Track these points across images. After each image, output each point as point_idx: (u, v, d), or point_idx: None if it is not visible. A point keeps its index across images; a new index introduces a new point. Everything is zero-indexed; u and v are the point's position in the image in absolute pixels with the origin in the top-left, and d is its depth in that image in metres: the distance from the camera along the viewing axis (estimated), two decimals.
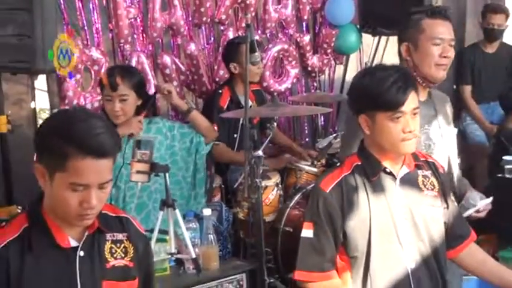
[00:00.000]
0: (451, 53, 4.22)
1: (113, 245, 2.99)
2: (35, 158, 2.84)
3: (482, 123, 8.39)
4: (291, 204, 6.02)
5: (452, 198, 3.84)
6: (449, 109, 4.52)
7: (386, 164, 3.52)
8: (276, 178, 6.17)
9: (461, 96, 8.52)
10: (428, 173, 3.67)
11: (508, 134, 7.42)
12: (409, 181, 3.58)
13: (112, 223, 3.03)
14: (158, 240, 4.83)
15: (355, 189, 3.52)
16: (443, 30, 4.21)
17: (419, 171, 3.64)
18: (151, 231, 4.79)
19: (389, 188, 3.54)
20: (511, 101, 7.72)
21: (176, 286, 4.72)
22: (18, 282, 2.82)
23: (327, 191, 3.51)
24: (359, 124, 3.63)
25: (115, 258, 2.97)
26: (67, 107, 5.95)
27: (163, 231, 4.87)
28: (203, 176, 5.67)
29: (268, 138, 5.58)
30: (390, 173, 3.54)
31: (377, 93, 3.40)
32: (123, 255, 3.00)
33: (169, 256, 4.87)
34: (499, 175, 6.75)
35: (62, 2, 6.17)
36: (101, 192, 2.78)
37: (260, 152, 5.02)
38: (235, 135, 6.30)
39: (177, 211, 4.87)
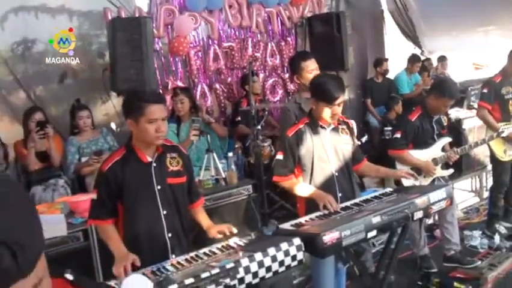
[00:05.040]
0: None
1: (170, 159, 2.94)
2: (126, 120, 2.86)
3: (376, 116, 8.19)
4: None
5: (356, 140, 3.72)
6: None
7: (322, 122, 3.43)
8: (269, 142, 5.93)
9: (366, 104, 8.30)
10: (345, 126, 3.59)
11: (387, 120, 7.40)
12: (334, 131, 3.51)
13: (169, 148, 2.97)
14: (205, 169, 4.70)
15: (305, 134, 3.43)
16: (312, 64, 4.24)
17: (340, 126, 3.55)
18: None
19: (323, 135, 3.48)
20: (388, 105, 7.70)
21: (215, 191, 4.54)
22: (122, 184, 2.80)
23: (290, 135, 3.47)
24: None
25: (172, 166, 2.93)
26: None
27: (208, 165, 4.73)
28: (219, 146, 5.43)
29: (264, 119, 5.61)
30: (324, 127, 3.44)
31: (323, 91, 3.31)
32: (176, 164, 2.95)
33: (211, 177, 4.69)
34: (383, 137, 6.68)
35: (163, 58, 6.07)
36: (163, 123, 2.78)
37: (259, 126, 4.91)
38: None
39: (214, 154, 4.73)
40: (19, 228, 0.66)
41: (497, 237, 5.30)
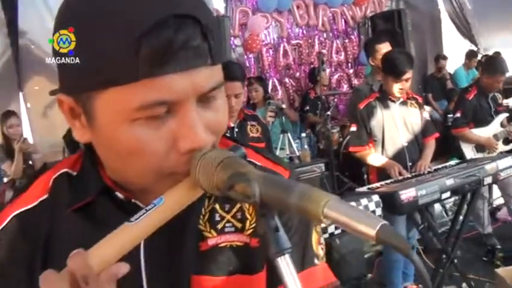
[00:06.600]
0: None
1: (250, 126, 2.99)
2: None
3: (437, 110, 7.84)
4: (344, 141, 5.48)
5: (426, 113, 3.57)
6: None
7: (391, 97, 3.30)
8: (338, 128, 5.74)
9: (427, 98, 8.01)
10: (414, 101, 3.44)
11: (447, 111, 7.06)
12: (403, 104, 3.38)
13: (249, 117, 3.02)
14: (281, 148, 4.63)
15: (375, 107, 3.34)
16: (386, 47, 3.98)
17: (408, 100, 3.41)
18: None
19: (392, 107, 3.35)
20: (449, 98, 7.48)
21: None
22: None
23: (362, 108, 3.36)
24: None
25: (252, 132, 2.98)
26: None
27: (283, 146, 4.68)
28: (291, 129, 5.25)
29: (333, 106, 5.51)
30: (393, 100, 3.32)
31: (391, 66, 3.20)
32: (256, 132, 2.99)
33: (286, 155, 4.62)
34: (446, 124, 6.52)
35: (238, 55, 6.15)
36: (234, 100, 2.76)
37: (329, 112, 4.78)
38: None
39: (289, 134, 4.68)
40: (210, 16, 0.60)
41: None
